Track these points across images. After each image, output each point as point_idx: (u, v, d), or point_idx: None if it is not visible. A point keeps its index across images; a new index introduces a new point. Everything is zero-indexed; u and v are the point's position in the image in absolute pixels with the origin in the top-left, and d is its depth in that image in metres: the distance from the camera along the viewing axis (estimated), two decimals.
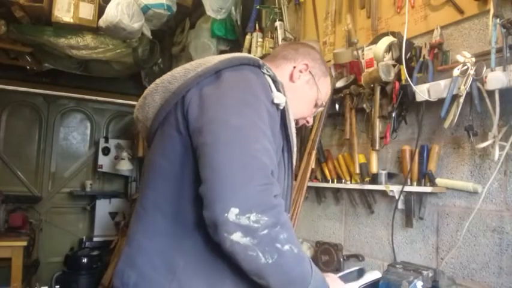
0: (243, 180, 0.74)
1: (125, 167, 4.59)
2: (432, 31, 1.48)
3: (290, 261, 0.77)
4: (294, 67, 1.12)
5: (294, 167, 1.02)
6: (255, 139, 0.79)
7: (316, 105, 1.18)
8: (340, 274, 1.39)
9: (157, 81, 0.96)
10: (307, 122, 1.21)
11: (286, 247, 0.76)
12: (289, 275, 0.78)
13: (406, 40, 1.47)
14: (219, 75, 0.87)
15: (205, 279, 0.81)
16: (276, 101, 0.88)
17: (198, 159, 0.80)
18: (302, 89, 1.13)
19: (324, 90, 1.17)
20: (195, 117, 0.84)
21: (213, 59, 0.92)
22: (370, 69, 1.63)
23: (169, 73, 0.95)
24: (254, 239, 0.72)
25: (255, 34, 2.52)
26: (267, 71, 0.92)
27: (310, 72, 1.13)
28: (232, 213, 0.71)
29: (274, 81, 0.92)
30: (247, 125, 0.79)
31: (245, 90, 0.85)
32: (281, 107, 0.91)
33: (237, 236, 0.72)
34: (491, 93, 1.22)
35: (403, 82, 1.51)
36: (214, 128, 0.79)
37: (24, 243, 3.22)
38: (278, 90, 0.91)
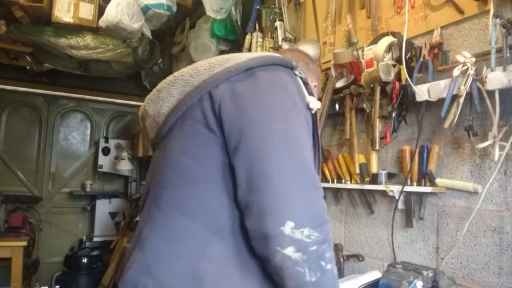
0: (298, 193, 0.71)
1: (125, 167, 4.59)
2: (432, 31, 1.48)
3: (330, 281, 0.74)
4: None
5: (320, 170, 1.02)
6: (301, 147, 0.77)
7: None
8: (362, 286, 1.40)
9: (176, 74, 0.90)
10: None
11: (329, 266, 0.73)
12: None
13: (406, 40, 1.47)
14: (252, 73, 0.82)
15: (232, 287, 0.76)
16: (311, 106, 0.85)
17: (239, 162, 0.75)
18: None
19: None
20: (232, 116, 0.78)
21: (242, 56, 0.87)
22: (370, 69, 1.63)
23: (190, 66, 0.89)
24: (304, 254, 0.70)
25: (255, 34, 2.52)
26: (300, 72, 0.89)
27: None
28: (288, 227, 0.68)
29: (306, 83, 0.90)
30: (292, 132, 0.76)
31: (284, 93, 0.82)
32: (313, 111, 0.88)
33: (290, 251, 0.69)
34: (491, 93, 1.22)
35: (403, 82, 1.51)
36: (259, 132, 0.75)
37: (24, 243, 3.22)
38: (310, 93, 0.89)
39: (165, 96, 0.89)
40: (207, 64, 0.86)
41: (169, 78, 0.90)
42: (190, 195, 0.80)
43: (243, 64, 0.83)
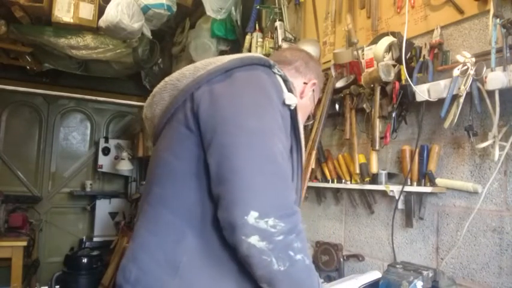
0: (263, 185, 0.75)
1: (125, 167, 4.59)
2: (432, 31, 1.48)
3: (301, 271, 0.77)
4: (305, 84, 1.16)
5: (303, 167, 1.02)
6: (272, 143, 0.79)
7: (308, 118, 1.26)
8: (361, 286, 1.40)
9: (167, 79, 0.96)
10: None
11: (299, 256, 0.76)
12: (298, 285, 0.78)
13: (406, 40, 1.47)
14: (230, 74, 0.87)
15: (208, 277, 0.81)
16: (287, 102, 0.88)
17: (211, 158, 0.80)
18: (305, 105, 1.18)
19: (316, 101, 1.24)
20: (207, 115, 0.83)
21: (224, 58, 0.91)
22: (370, 69, 1.63)
23: (178, 71, 0.95)
24: (270, 243, 0.73)
25: (255, 34, 2.52)
26: (278, 70, 0.92)
27: (313, 89, 1.19)
28: (252, 217, 0.72)
29: (285, 80, 0.93)
30: (263, 129, 0.80)
31: (258, 90, 0.85)
32: (292, 107, 0.91)
33: (254, 239, 0.72)
34: (491, 93, 1.22)
35: (403, 82, 1.51)
36: (231, 129, 0.79)
37: (24, 243, 3.22)
38: (289, 90, 0.92)
39: (158, 100, 0.96)
40: (193, 68, 0.92)
41: (161, 83, 0.97)
42: (174, 191, 0.86)
43: (222, 66, 0.88)
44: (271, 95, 0.85)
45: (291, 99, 0.88)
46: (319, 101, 1.97)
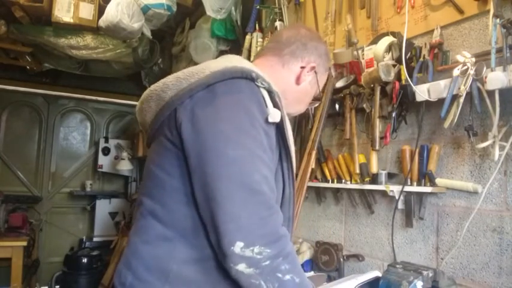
0: (246, 215, 0.77)
1: (125, 167, 4.59)
2: (432, 31, 1.48)
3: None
4: (302, 68, 1.09)
5: (294, 175, 1.00)
6: (254, 169, 0.80)
7: (314, 99, 1.18)
8: (359, 284, 1.40)
9: (152, 87, 0.96)
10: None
11: (287, 277, 0.79)
12: None
13: (406, 40, 1.47)
14: (212, 90, 0.85)
15: (196, 286, 0.84)
16: (270, 120, 0.86)
17: (196, 184, 0.83)
18: (305, 89, 1.11)
19: (322, 84, 1.16)
20: (190, 138, 0.84)
21: (206, 68, 0.89)
22: (370, 69, 1.63)
23: (161, 81, 0.93)
24: (257, 269, 0.77)
25: (255, 34, 2.52)
26: (262, 83, 0.87)
27: (315, 71, 1.11)
28: (238, 247, 0.75)
29: (270, 92, 0.89)
30: (245, 156, 0.80)
31: (239, 111, 0.83)
32: (276, 121, 0.88)
33: (241, 267, 0.77)
34: (491, 93, 1.22)
35: (403, 82, 1.50)
36: (212, 157, 0.80)
37: (24, 243, 3.22)
38: (274, 102, 0.89)
39: (146, 108, 0.97)
40: (175, 79, 0.91)
41: (146, 92, 0.97)
42: (164, 204, 0.88)
43: (204, 80, 0.86)
44: (253, 114, 0.83)
45: (274, 117, 0.86)
46: (319, 101, 1.97)
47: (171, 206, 0.87)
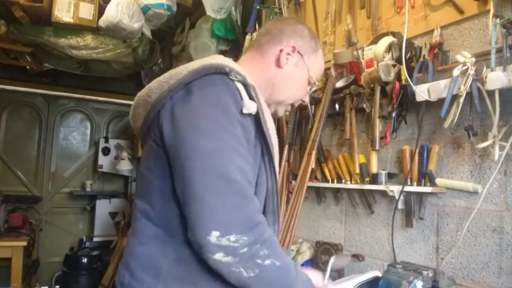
0: (222, 205, 0.78)
1: (125, 167, 4.59)
2: (432, 31, 1.48)
3: (272, 274, 0.83)
4: (281, 51, 1.05)
5: (276, 167, 1.01)
6: (230, 161, 0.81)
7: (309, 84, 1.13)
8: (358, 284, 1.39)
9: (139, 94, 1.00)
10: (303, 101, 1.16)
11: (267, 262, 0.81)
12: (271, 285, 0.84)
13: (406, 40, 1.47)
14: (189, 89, 0.88)
15: (187, 283, 0.87)
16: (245, 111, 0.87)
17: (176, 181, 0.85)
18: (291, 73, 1.07)
19: (315, 67, 1.11)
20: (170, 137, 0.87)
21: (185, 69, 0.91)
22: (370, 69, 1.63)
23: (146, 86, 0.97)
24: (235, 257, 0.78)
25: (255, 34, 2.51)
26: (236, 76, 0.89)
27: (298, 52, 1.07)
28: (214, 236, 0.77)
29: (245, 84, 0.90)
30: (220, 148, 0.81)
31: (215, 106, 0.85)
32: (253, 113, 0.90)
33: (219, 256, 0.78)
34: (491, 93, 1.22)
35: (403, 82, 1.50)
36: (189, 153, 0.82)
37: (24, 243, 3.22)
38: (250, 95, 0.90)
39: (136, 114, 1.02)
40: (157, 83, 0.94)
41: (135, 99, 1.01)
42: (155, 206, 0.92)
43: (182, 79, 0.89)
44: (228, 107, 0.86)
45: (248, 108, 0.87)
46: (319, 100, 1.97)
47: (159, 206, 0.91)
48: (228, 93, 0.87)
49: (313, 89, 1.21)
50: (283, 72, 1.07)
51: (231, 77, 0.89)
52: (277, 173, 1.02)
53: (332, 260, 1.24)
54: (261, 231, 0.82)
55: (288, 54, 1.06)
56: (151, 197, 0.92)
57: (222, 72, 0.88)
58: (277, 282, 0.85)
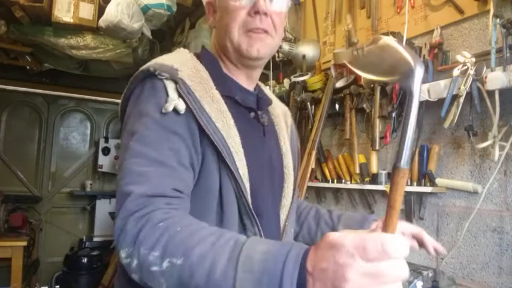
0: (116, 219, 0.70)
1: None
2: (432, 31, 1.48)
3: (180, 274, 0.61)
4: (207, 3, 0.96)
5: (239, 167, 0.82)
6: (131, 171, 0.73)
7: (246, 11, 0.88)
8: None
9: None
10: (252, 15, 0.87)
11: (166, 264, 0.61)
12: (191, 278, 0.60)
13: (406, 40, 1.48)
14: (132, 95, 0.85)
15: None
16: (163, 111, 0.77)
17: None
18: (220, 17, 0.92)
19: None
20: None
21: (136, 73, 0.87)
22: None
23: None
24: (135, 274, 0.64)
25: None
26: (162, 74, 0.80)
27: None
28: (122, 255, 0.67)
29: (176, 81, 0.81)
30: (126, 158, 0.74)
31: (135, 114, 0.80)
32: (181, 112, 0.78)
33: (133, 276, 0.66)
34: (491, 93, 1.22)
35: None
36: (119, 170, 0.79)
37: (24, 243, 3.22)
38: (182, 91, 0.79)
39: None
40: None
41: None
42: None
43: (129, 86, 0.86)
44: (147, 111, 0.78)
45: (167, 107, 0.77)
46: (319, 100, 1.97)
47: None
48: (150, 95, 0.81)
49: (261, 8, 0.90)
50: (218, 18, 0.93)
51: (158, 77, 0.81)
52: (241, 174, 0.82)
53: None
54: (130, 235, 0.65)
55: (207, 3, 0.96)
56: None
57: (148, 74, 0.82)
58: (193, 281, 0.59)
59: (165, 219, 0.65)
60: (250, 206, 0.82)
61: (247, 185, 0.83)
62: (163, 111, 0.77)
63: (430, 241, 1.03)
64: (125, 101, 0.86)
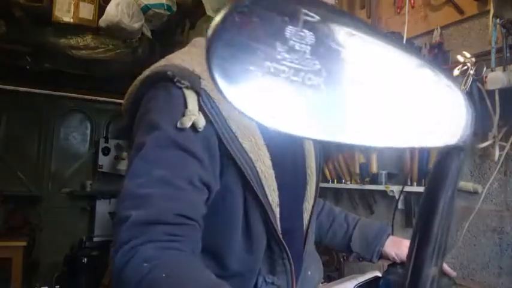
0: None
1: (125, 167, 4.57)
2: (432, 31, 1.48)
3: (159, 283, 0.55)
4: None
5: (268, 197, 0.72)
6: (131, 193, 0.65)
7: None
8: (358, 284, 1.39)
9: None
10: None
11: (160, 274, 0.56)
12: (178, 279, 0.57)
13: (406, 40, 1.47)
14: (141, 100, 0.74)
15: None
16: (179, 126, 0.66)
17: None
18: None
19: None
20: None
21: (146, 71, 0.76)
22: None
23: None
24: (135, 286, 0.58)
25: None
26: (182, 82, 0.68)
27: None
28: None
29: (197, 92, 0.69)
30: (128, 177, 0.66)
31: (146, 125, 0.70)
32: (199, 129, 0.66)
33: None
34: (491, 93, 1.22)
35: None
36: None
37: (24, 243, 3.22)
38: (200, 102, 0.68)
39: None
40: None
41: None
42: None
43: (138, 85, 0.75)
44: (161, 125, 0.67)
45: (183, 123, 0.65)
46: None
47: None
48: (165, 109, 0.69)
49: None
50: None
51: (176, 84, 0.68)
52: (273, 206, 0.73)
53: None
54: (131, 271, 0.60)
55: None
56: None
57: (166, 79, 0.69)
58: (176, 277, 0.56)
59: (153, 259, 0.57)
60: (280, 236, 0.73)
61: (276, 211, 0.73)
62: (178, 125, 0.66)
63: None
64: (130, 101, 0.76)
